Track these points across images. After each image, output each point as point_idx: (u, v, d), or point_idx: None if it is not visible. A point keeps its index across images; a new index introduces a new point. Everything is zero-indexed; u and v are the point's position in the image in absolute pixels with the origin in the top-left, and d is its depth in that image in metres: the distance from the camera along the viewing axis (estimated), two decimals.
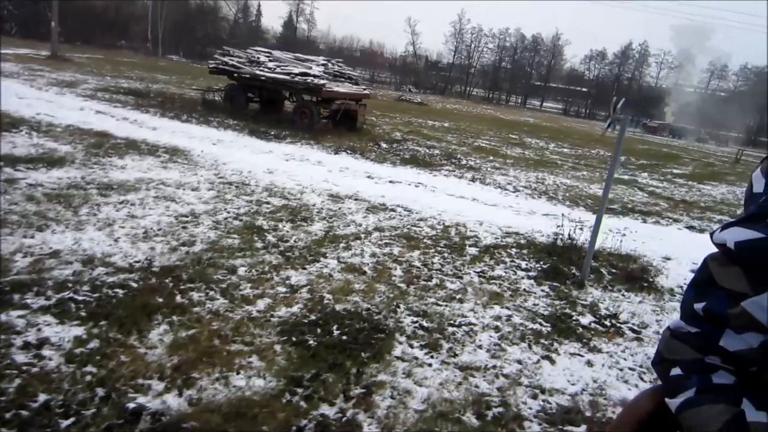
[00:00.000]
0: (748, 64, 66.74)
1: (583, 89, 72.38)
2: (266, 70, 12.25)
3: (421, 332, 3.46)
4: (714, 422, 0.69)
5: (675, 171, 16.91)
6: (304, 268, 4.24)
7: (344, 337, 3.21)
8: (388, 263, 4.61)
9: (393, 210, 6.49)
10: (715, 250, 0.75)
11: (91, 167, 6.38)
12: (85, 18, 50.96)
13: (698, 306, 0.74)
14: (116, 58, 34.03)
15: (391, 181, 8.27)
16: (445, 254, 5.08)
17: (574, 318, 4.04)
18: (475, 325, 3.69)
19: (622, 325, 4.06)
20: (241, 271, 4.01)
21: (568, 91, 74.16)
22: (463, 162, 11.18)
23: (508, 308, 4.06)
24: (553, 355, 3.43)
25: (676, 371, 0.76)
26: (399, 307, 3.77)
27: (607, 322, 4.06)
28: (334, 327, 3.32)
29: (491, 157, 12.76)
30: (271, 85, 12.44)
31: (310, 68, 12.08)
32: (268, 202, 5.98)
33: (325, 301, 3.70)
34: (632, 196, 10.26)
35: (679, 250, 6.26)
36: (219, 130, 10.98)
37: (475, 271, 4.73)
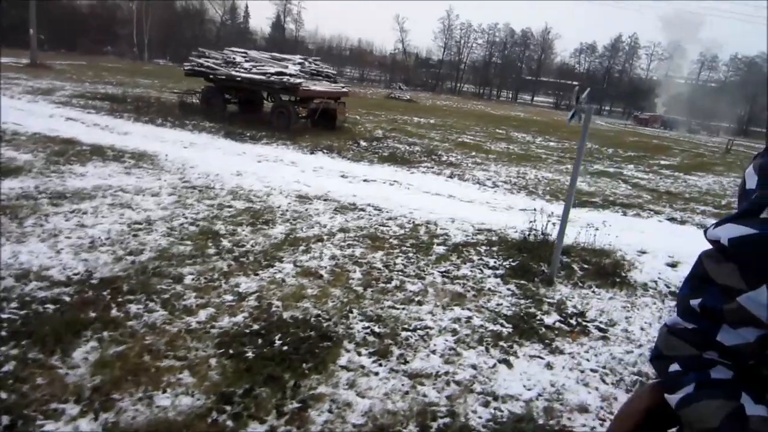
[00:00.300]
0: (738, 54, 66.87)
1: (574, 83, 72.18)
2: (242, 70, 12.04)
3: (371, 338, 3.28)
4: (714, 417, 0.70)
5: (662, 162, 16.78)
6: (257, 274, 4.05)
7: (285, 348, 3.02)
8: (348, 266, 4.43)
9: (362, 210, 6.31)
10: (709, 246, 0.76)
11: (48, 176, 6.16)
12: (69, 25, 50.60)
13: (694, 302, 0.75)
14: (100, 64, 33.69)
15: (365, 180, 8.09)
16: (410, 254, 4.90)
17: (538, 318, 3.87)
18: (431, 328, 3.51)
19: (589, 324, 3.89)
20: (188, 279, 3.82)
21: (558, 84, 74.09)
22: (444, 158, 11.01)
23: (469, 309, 3.88)
24: (512, 359, 3.26)
25: (674, 367, 0.77)
26: (352, 312, 3.59)
27: (573, 321, 3.89)
28: (277, 336, 3.14)
29: (473, 153, 12.59)
30: (247, 86, 12.23)
31: (287, 67, 11.87)
32: (230, 206, 5.79)
33: (273, 309, 3.51)
34: (615, 189, 10.11)
35: (656, 243, 6.10)
36: (193, 133, 10.77)
37: (439, 271, 4.55)
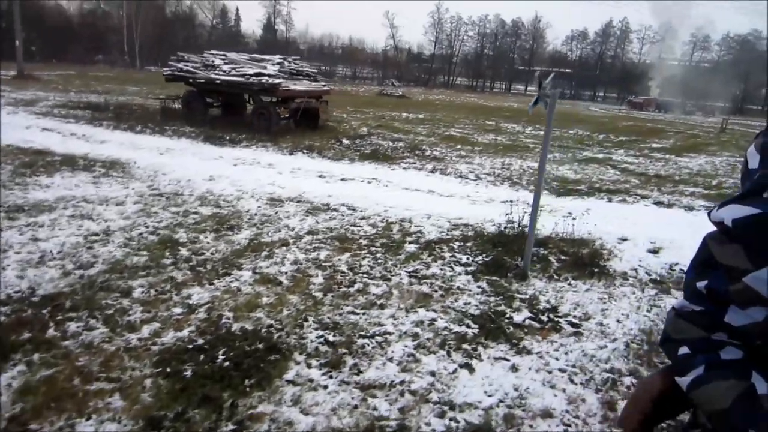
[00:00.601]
0: (730, 33, 66.42)
1: (567, 70, 71.92)
2: (221, 73, 11.84)
3: (324, 348, 3.10)
4: (725, 398, 0.70)
5: (654, 145, 16.55)
6: (212, 284, 3.86)
7: (227, 363, 2.83)
8: (310, 270, 4.24)
9: (335, 210, 6.12)
10: (713, 228, 0.75)
11: (11, 189, 5.98)
12: (60, 35, 50.40)
13: (701, 284, 0.75)
14: (89, 73, 33.49)
15: (343, 179, 7.90)
16: (379, 254, 4.71)
17: (507, 316, 3.68)
18: (390, 334, 3.33)
19: (561, 319, 3.70)
20: (137, 292, 3.63)
21: (552, 73, 73.68)
22: (427, 153, 10.80)
23: (434, 311, 3.69)
24: (474, 362, 3.07)
25: (683, 350, 0.77)
26: (307, 321, 3.40)
27: (545, 317, 3.70)
28: (221, 351, 2.95)
29: (459, 146, 12.38)
30: (227, 89, 12.03)
31: (265, 68, 11.66)
32: (196, 212, 5.60)
33: (223, 321, 3.33)
34: (602, 175, 9.90)
35: (638, 229, 5.90)
36: (173, 138, 10.58)
37: (406, 271, 4.36)
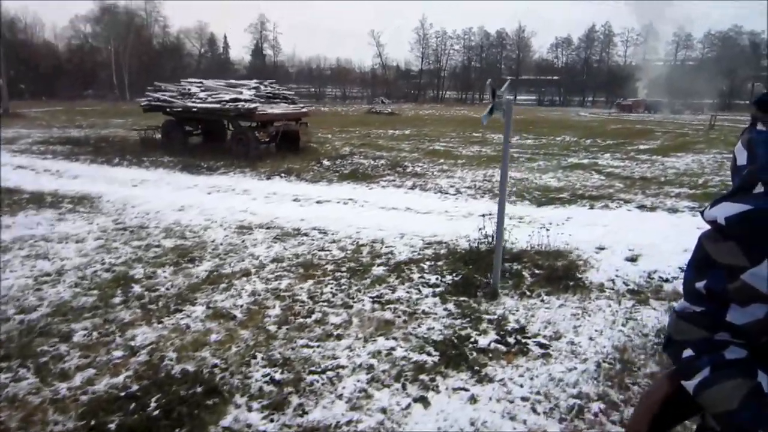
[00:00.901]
0: (711, 30, 66.93)
1: (555, 77, 72.40)
2: (197, 100, 11.75)
3: (269, 388, 2.88)
4: (732, 398, 0.70)
5: (641, 147, 16.43)
6: (161, 322, 3.66)
7: (158, 412, 2.62)
8: (268, 301, 4.03)
9: (306, 235, 5.93)
10: (707, 227, 0.76)
11: None
12: (49, 72, 50.75)
13: (699, 285, 0.76)
14: (77, 108, 33.55)
15: (318, 202, 7.72)
16: (343, 280, 4.51)
17: (472, 340, 3.47)
18: (344, 367, 3.11)
19: (529, 340, 3.49)
20: (78, 336, 3.42)
21: (539, 81, 74.19)
22: (409, 169, 10.65)
23: (395, 338, 3.48)
24: (431, 395, 2.86)
25: (687, 353, 0.77)
26: (255, 358, 3.19)
27: (512, 339, 3.49)
28: (155, 398, 2.73)
29: (442, 160, 12.24)
30: (205, 116, 11.93)
31: (241, 93, 11.58)
32: (159, 245, 5.40)
33: (165, 363, 3.11)
34: (586, 182, 9.74)
35: (618, 237, 5.72)
36: (149, 169, 10.43)
37: (370, 297, 4.16)
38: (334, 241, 5.68)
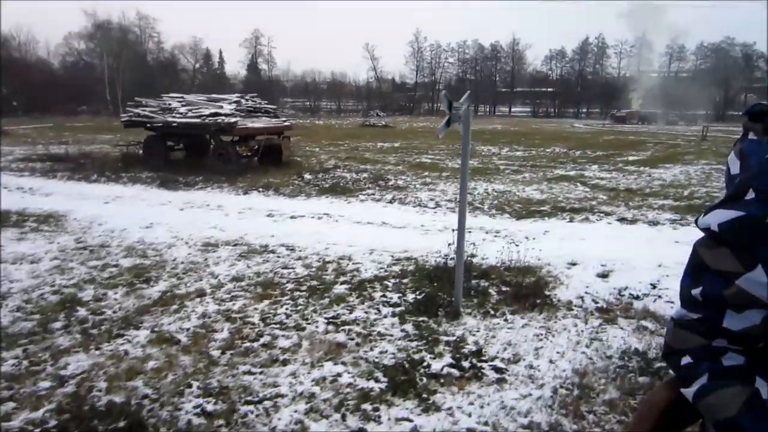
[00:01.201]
0: (703, 42, 67.32)
1: (549, 89, 72.67)
2: (178, 115, 11.63)
3: (199, 421, 2.69)
4: (731, 405, 0.70)
5: (630, 158, 16.33)
6: (99, 348, 3.46)
7: None
8: (217, 324, 3.84)
9: (273, 252, 5.75)
10: (702, 235, 0.77)
11: None
12: (43, 89, 50.70)
13: (696, 292, 0.76)
14: (67, 125, 33.41)
15: (292, 217, 7.55)
16: (301, 300, 4.32)
17: (425, 364, 3.28)
18: (283, 396, 2.92)
19: (486, 364, 3.30)
20: (7, 365, 3.22)
21: (534, 93, 74.44)
22: (391, 182, 10.49)
23: (344, 363, 3.29)
24: (371, 426, 2.67)
25: (686, 360, 0.77)
26: (191, 386, 2.99)
27: (468, 363, 3.30)
28: None
29: (426, 173, 12.11)
30: (186, 131, 11.80)
31: (221, 107, 11.46)
32: (116, 265, 5.22)
33: (93, 394, 2.92)
34: (570, 193, 9.59)
35: (592, 251, 5.54)
36: (126, 185, 10.26)
37: (326, 318, 3.97)
38: (300, 258, 5.50)
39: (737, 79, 63.28)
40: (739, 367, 0.73)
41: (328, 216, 7.60)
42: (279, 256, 5.59)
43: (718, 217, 0.73)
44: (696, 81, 59.67)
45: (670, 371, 0.82)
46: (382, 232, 6.75)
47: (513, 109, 75.91)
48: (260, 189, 9.72)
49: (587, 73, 72.81)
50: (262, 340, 3.60)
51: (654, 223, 7.24)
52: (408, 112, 69.17)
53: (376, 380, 3.10)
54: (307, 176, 11.05)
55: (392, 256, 5.55)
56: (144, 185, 10.27)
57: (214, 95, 13.23)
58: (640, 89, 62.63)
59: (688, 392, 0.75)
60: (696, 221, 0.79)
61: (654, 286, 4.48)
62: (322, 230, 6.74)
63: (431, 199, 8.86)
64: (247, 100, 12.57)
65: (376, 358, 3.36)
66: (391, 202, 8.70)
